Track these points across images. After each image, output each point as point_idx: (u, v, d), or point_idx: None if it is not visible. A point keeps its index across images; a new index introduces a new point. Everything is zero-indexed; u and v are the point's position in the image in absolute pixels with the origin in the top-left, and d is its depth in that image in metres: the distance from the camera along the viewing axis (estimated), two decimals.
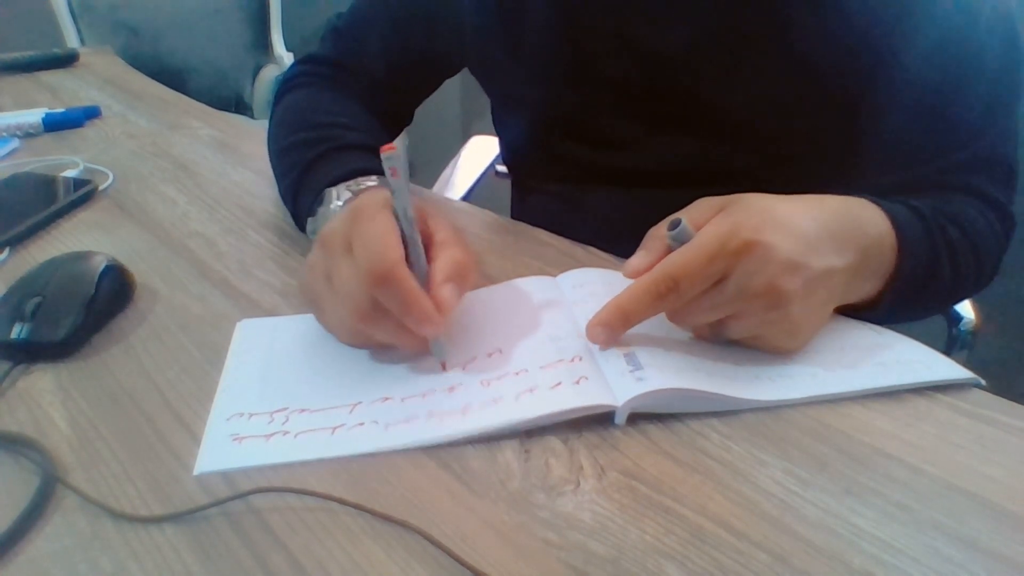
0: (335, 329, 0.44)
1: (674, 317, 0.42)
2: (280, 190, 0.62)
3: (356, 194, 0.51)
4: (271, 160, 0.65)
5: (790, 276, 0.39)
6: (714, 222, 0.40)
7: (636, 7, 0.56)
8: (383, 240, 0.39)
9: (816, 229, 0.41)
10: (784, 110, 0.55)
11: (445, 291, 0.40)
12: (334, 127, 0.60)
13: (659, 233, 0.42)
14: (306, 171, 0.57)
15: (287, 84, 0.71)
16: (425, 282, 0.41)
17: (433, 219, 0.44)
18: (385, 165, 0.39)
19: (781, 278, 0.39)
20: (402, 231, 0.40)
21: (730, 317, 0.41)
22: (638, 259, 0.42)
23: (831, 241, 0.41)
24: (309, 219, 0.55)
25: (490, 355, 0.43)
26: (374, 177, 0.53)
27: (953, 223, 0.50)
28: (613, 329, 0.41)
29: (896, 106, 0.54)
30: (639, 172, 0.62)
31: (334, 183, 0.52)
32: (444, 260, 0.42)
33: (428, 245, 0.43)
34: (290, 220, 0.60)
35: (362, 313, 0.40)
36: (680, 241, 0.40)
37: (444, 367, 0.42)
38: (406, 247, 0.40)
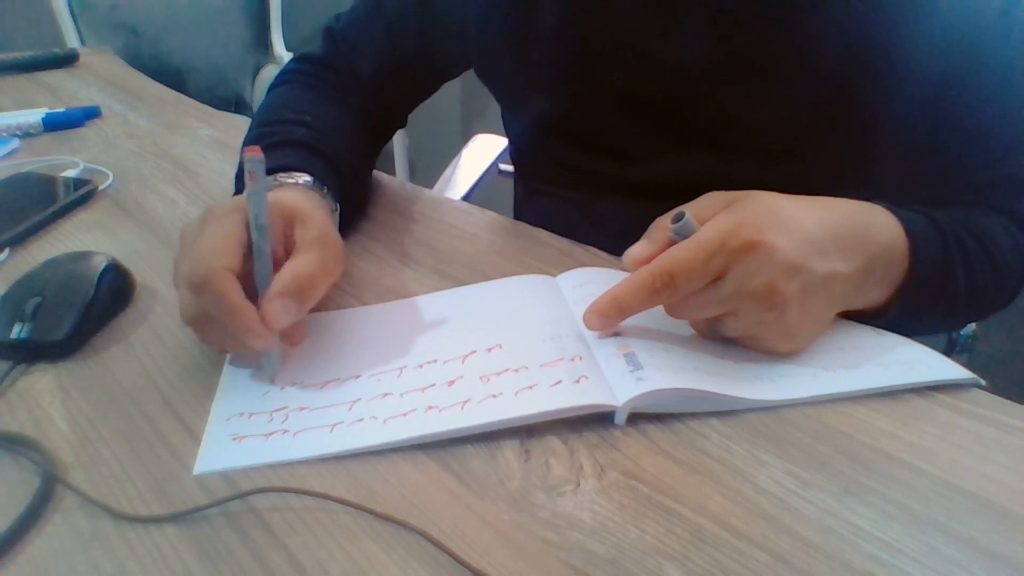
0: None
1: (670, 310, 0.42)
2: None
3: (270, 190, 0.49)
4: None
5: (788, 279, 0.39)
6: (718, 218, 0.40)
7: (649, 18, 0.54)
8: (216, 245, 0.38)
9: (823, 232, 0.40)
10: (801, 125, 0.53)
11: (272, 306, 0.39)
12: (288, 123, 0.59)
13: (664, 224, 0.42)
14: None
15: (275, 81, 0.70)
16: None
17: (301, 226, 0.43)
18: (245, 168, 0.38)
19: (779, 280, 0.39)
20: (250, 239, 0.40)
21: (726, 314, 0.41)
22: (639, 248, 0.42)
23: (837, 245, 0.41)
24: None
25: (490, 350, 0.43)
26: (298, 174, 0.51)
27: (971, 235, 0.48)
28: (608, 318, 0.42)
29: (919, 124, 0.52)
30: (649, 185, 0.60)
31: None
32: (284, 273, 0.40)
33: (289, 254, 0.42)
34: None
35: (188, 315, 0.40)
36: (682, 235, 0.40)
37: (273, 382, 0.42)
38: (254, 255, 0.40)
